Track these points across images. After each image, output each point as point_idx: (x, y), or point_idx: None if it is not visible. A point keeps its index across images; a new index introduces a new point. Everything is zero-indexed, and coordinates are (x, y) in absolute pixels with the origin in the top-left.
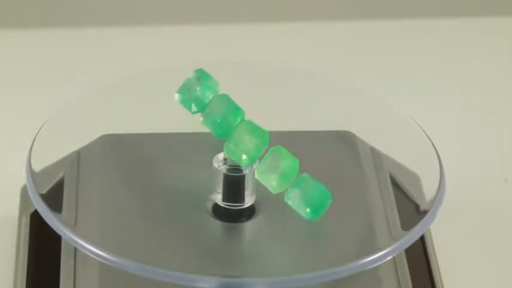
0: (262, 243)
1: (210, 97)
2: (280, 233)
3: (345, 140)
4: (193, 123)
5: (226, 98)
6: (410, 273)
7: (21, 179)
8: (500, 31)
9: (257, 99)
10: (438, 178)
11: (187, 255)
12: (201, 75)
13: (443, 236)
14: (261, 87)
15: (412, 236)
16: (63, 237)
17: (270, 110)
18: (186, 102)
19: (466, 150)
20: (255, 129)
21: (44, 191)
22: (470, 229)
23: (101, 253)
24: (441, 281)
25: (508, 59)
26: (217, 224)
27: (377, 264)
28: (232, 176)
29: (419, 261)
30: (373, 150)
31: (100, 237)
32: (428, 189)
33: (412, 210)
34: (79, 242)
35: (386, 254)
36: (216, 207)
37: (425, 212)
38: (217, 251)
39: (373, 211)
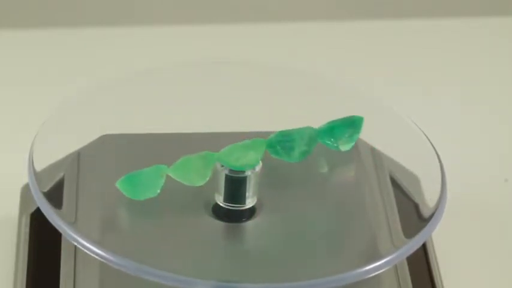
0: (261, 247)
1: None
2: (279, 237)
3: None
4: (193, 123)
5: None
6: (411, 273)
7: (21, 179)
8: (500, 31)
9: (257, 99)
10: (439, 181)
11: (187, 256)
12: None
13: (444, 237)
14: (261, 87)
15: (414, 244)
16: (64, 235)
17: (270, 110)
18: None
19: (466, 150)
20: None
21: (45, 191)
22: (471, 229)
23: (101, 252)
24: (441, 282)
25: (508, 59)
26: (217, 225)
27: (378, 272)
28: (235, 177)
29: (420, 261)
30: (373, 150)
31: (100, 236)
32: (428, 190)
33: (412, 211)
34: (79, 239)
35: (387, 262)
36: (216, 207)
37: (427, 219)
38: (217, 253)
39: (373, 212)
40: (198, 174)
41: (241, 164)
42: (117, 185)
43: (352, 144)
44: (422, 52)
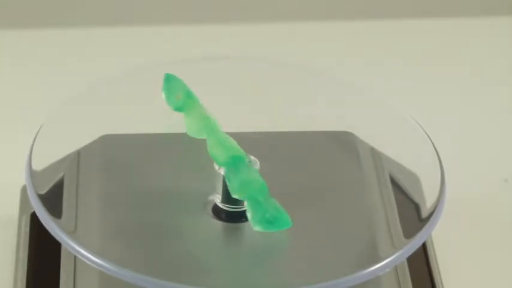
0: (260, 248)
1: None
2: (278, 239)
3: (345, 140)
4: None
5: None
6: (411, 273)
7: (22, 179)
8: (500, 31)
9: (257, 99)
10: (439, 181)
11: (187, 261)
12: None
13: (444, 236)
14: (261, 87)
15: (413, 245)
16: (63, 245)
17: (270, 110)
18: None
19: (466, 150)
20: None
21: (44, 192)
22: (470, 229)
23: (99, 261)
24: (441, 281)
25: (508, 59)
26: (217, 227)
27: (378, 274)
28: None
29: (420, 261)
30: (373, 150)
31: (99, 243)
32: (429, 189)
33: (412, 211)
34: (78, 249)
35: (388, 263)
36: (216, 208)
37: (426, 219)
38: (217, 259)
39: (373, 212)
40: (195, 128)
41: (210, 152)
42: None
43: (260, 229)
44: (423, 52)
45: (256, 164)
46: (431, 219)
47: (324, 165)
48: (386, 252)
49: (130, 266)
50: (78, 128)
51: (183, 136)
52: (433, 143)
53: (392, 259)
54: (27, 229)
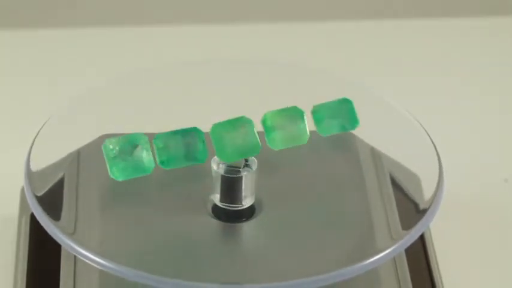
0: (260, 246)
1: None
2: (278, 235)
3: (345, 140)
4: (193, 123)
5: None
6: (410, 272)
7: (22, 179)
8: (500, 31)
9: (257, 98)
10: (437, 177)
11: (187, 260)
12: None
13: (443, 236)
14: (261, 87)
15: (411, 236)
16: (63, 245)
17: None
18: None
19: (466, 150)
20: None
21: (44, 192)
22: (470, 229)
23: (99, 260)
24: (441, 281)
25: (508, 59)
26: (217, 226)
27: (377, 265)
28: (231, 177)
29: (419, 261)
30: (373, 150)
31: (98, 242)
32: (429, 189)
33: (411, 210)
34: (77, 249)
35: (386, 255)
36: (216, 208)
37: (424, 211)
38: (217, 256)
39: (373, 211)
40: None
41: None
42: None
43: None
44: (423, 52)
45: (254, 164)
46: (429, 210)
47: (324, 165)
48: (384, 246)
49: (130, 264)
50: (78, 128)
51: None
52: (433, 143)
53: (391, 250)
54: (27, 229)
